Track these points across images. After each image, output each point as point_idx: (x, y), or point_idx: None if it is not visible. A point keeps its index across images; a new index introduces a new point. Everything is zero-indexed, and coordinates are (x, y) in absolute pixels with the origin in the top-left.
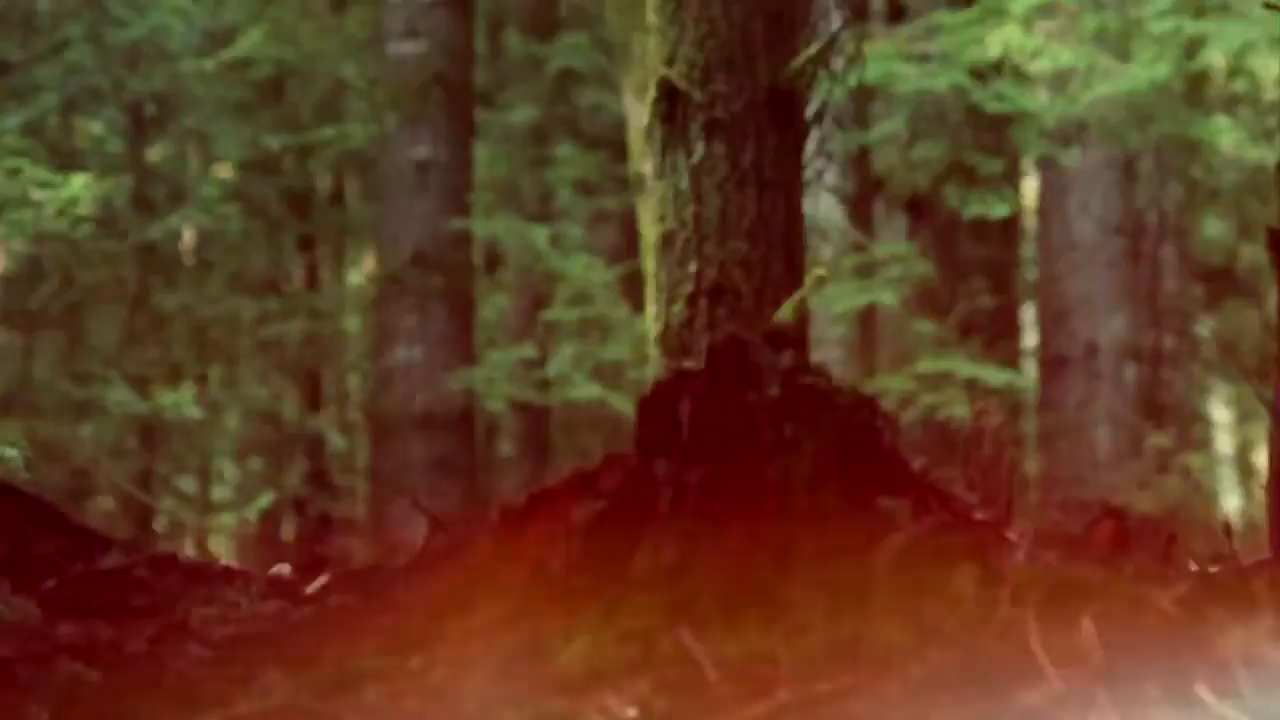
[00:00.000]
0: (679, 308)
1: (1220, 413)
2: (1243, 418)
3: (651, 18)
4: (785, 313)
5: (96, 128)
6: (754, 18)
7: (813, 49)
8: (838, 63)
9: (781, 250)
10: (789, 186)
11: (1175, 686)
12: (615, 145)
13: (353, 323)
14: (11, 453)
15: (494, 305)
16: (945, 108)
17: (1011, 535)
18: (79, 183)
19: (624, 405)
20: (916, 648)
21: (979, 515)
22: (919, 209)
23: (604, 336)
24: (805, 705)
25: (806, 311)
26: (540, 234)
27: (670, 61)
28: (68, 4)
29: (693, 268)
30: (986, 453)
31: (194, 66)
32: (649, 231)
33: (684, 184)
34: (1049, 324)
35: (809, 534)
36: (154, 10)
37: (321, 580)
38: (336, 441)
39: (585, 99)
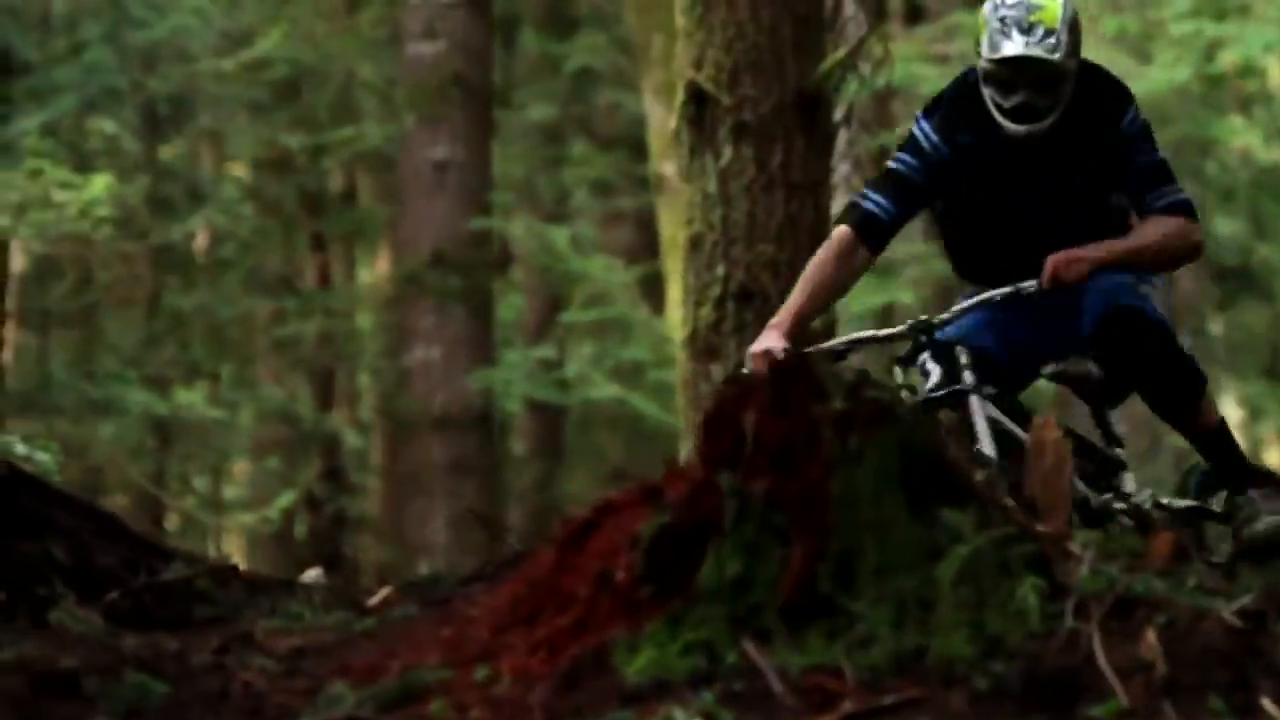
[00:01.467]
0: (707, 310)
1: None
2: (1253, 417)
3: (679, 21)
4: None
5: (110, 127)
6: (782, 21)
7: (840, 52)
8: (865, 65)
9: (809, 252)
10: (816, 189)
11: (1239, 698)
12: (630, 145)
13: (364, 321)
14: (44, 456)
15: (509, 305)
16: None
17: (1073, 547)
18: (100, 184)
19: (645, 405)
20: (980, 660)
21: (1040, 528)
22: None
23: (623, 337)
24: (870, 717)
25: (834, 314)
26: (560, 234)
27: (698, 65)
28: (86, 4)
29: (721, 270)
30: (1047, 465)
31: (212, 67)
32: (670, 232)
33: (712, 187)
34: None
35: (873, 546)
36: (174, 11)
37: (384, 592)
38: (351, 440)
39: (602, 98)
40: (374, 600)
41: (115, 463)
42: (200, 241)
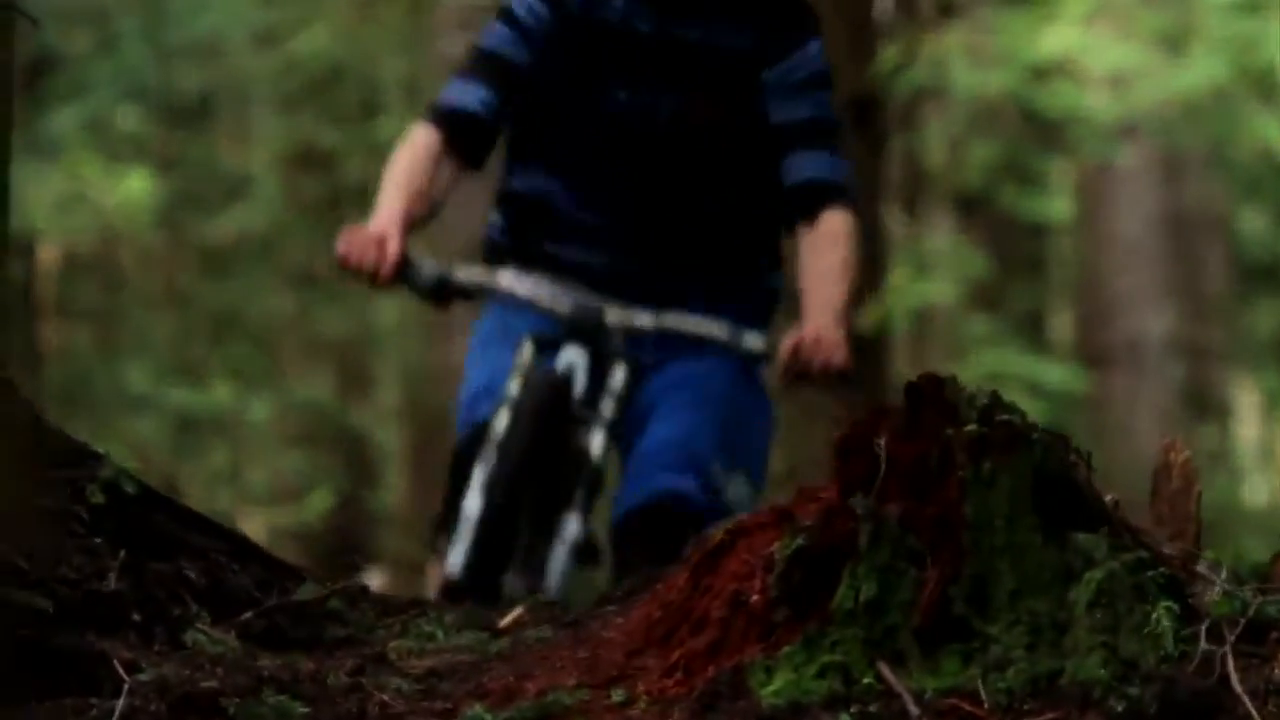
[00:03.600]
0: None
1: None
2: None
3: None
4: (870, 317)
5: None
6: (836, 26)
7: (893, 55)
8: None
9: (866, 255)
10: (871, 193)
11: None
12: None
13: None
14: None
15: None
16: (998, 106)
17: (1204, 569)
18: (136, 180)
19: None
20: (1116, 683)
21: (1170, 550)
22: (970, 206)
23: None
24: None
25: (889, 318)
26: None
27: None
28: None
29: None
30: (1175, 486)
31: (247, 63)
32: None
33: None
34: (1091, 321)
35: (1006, 570)
36: (210, 8)
37: (515, 613)
38: (378, 436)
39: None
40: (505, 621)
41: (142, 456)
42: (226, 235)
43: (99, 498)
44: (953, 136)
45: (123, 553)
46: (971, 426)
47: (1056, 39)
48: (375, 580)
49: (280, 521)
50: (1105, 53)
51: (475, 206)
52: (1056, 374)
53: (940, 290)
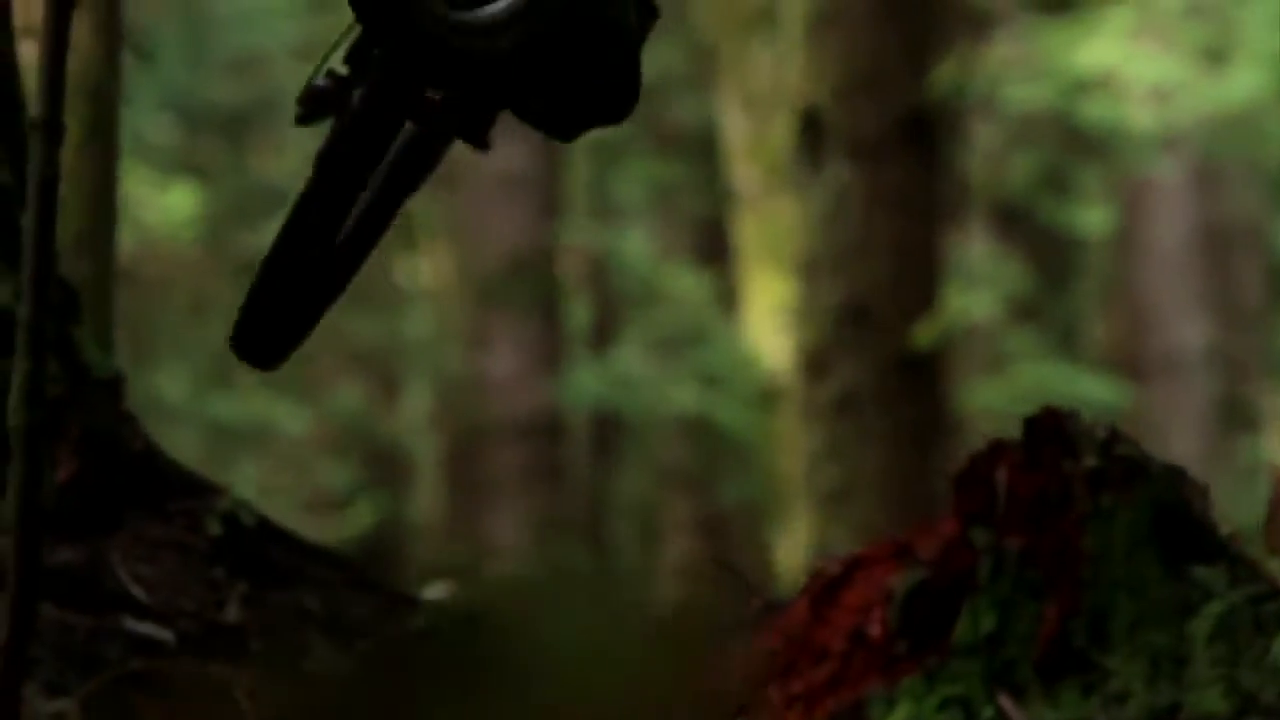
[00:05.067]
0: (820, 328)
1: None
2: None
3: (791, 37)
4: (926, 334)
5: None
6: (895, 40)
7: (951, 69)
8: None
9: (922, 272)
10: (929, 207)
11: None
12: (693, 148)
13: (418, 325)
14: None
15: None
16: (1038, 119)
17: None
18: (181, 194)
19: (727, 416)
20: (1235, 717)
21: None
22: (1009, 219)
23: (699, 347)
24: None
25: (949, 333)
26: (634, 243)
27: (812, 83)
28: (162, 12)
29: (835, 290)
30: None
31: (286, 75)
32: (750, 244)
33: (826, 206)
34: (1127, 332)
35: (1125, 603)
36: (250, 22)
37: None
38: (412, 446)
39: (666, 102)
40: None
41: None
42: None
43: (217, 529)
44: (994, 149)
45: (242, 583)
46: (1090, 460)
47: (1098, 52)
48: (440, 593)
49: (315, 533)
50: (1147, 66)
51: (514, 216)
52: (1098, 388)
53: (985, 304)
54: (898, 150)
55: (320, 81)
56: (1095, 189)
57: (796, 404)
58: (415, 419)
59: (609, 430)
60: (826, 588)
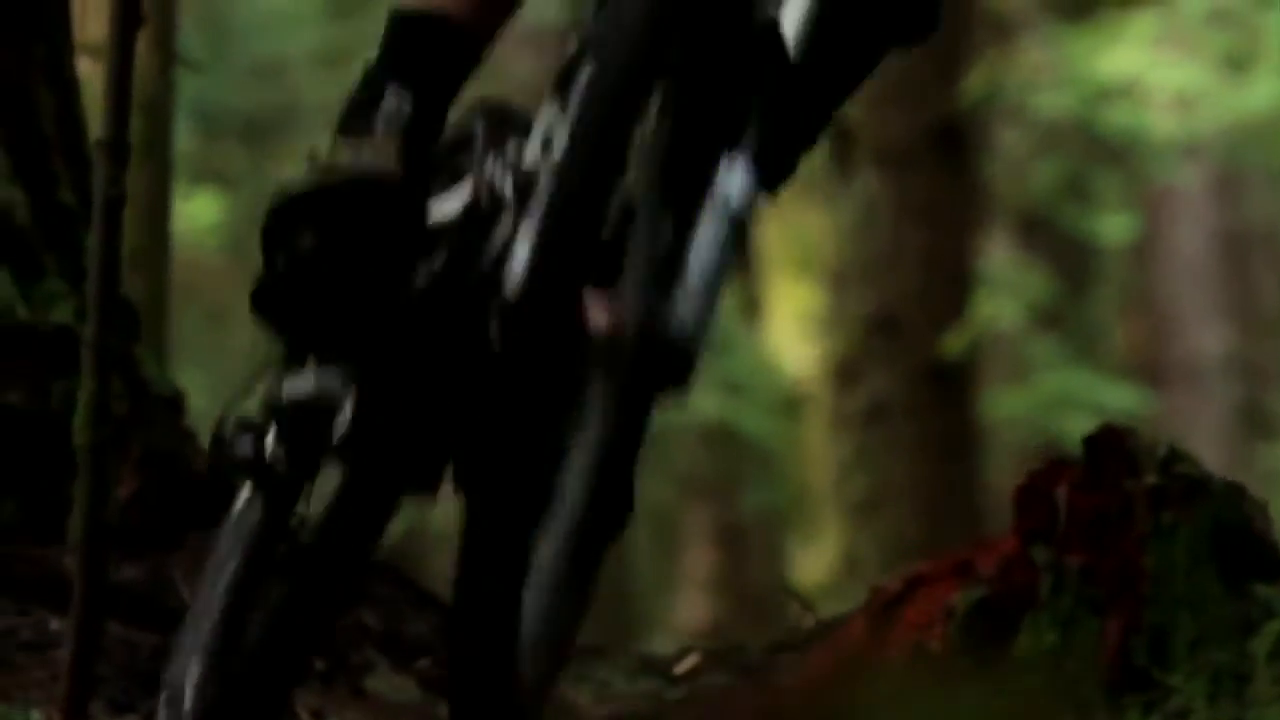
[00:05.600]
0: (850, 338)
1: None
2: None
3: None
4: (955, 344)
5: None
6: (926, 51)
7: (981, 79)
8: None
9: (951, 281)
10: (958, 217)
11: None
12: None
13: None
14: None
15: None
16: (1061, 126)
17: None
18: (205, 201)
19: (751, 424)
20: None
21: None
22: (1030, 225)
23: (721, 354)
24: None
25: (977, 343)
26: None
27: None
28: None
29: (864, 300)
30: None
31: (310, 82)
32: (773, 252)
33: (856, 217)
34: (1147, 339)
35: (1187, 620)
36: (274, 29)
37: (692, 659)
38: None
39: None
40: (681, 668)
41: None
42: None
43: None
44: (1016, 156)
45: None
46: (1151, 478)
47: (1121, 60)
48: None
49: None
50: (1170, 74)
51: None
52: (1121, 396)
53: (1008, 312)
54: (927, 160)
55: None
56: (1115, 196)
57: (825, 414)
58: None
59: None
60: (887, 605)
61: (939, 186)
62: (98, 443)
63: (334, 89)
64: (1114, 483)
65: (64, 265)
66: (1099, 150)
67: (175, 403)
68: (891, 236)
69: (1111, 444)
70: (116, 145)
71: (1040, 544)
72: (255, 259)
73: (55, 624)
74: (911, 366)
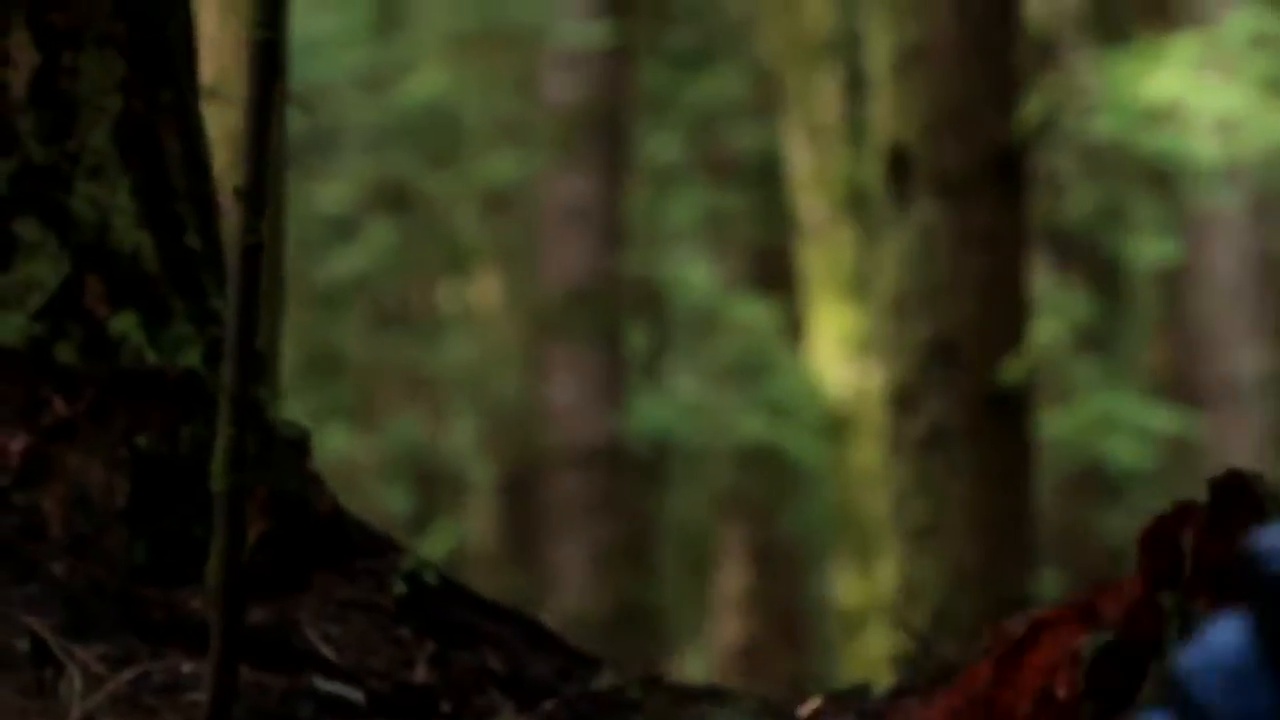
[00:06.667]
0: (908, 365)
1: None
2: None
3: (877, 75)
4: (1013, 370)
5: None
6: (982, 77)
7: (1037, 105)
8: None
9: (1009, 308)
10: (1015, 244)
11: None
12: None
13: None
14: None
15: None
16: (1102, 149)
17: None
18: None
19: (795, 445)
20: None
21: None
22: (1068, 247)
23: (764, 376)
24: None
25: (1036, 370)
26: (700, 272)
27: (898, 120)
28: None
29: (922, 326)
30: None
31: (349, 104)
32: (817, 275)
33: (913, 244)
34: (1183, 360)
35: None
36: (314, 52)
37: (813, 702)
38: (466, 473)
39: (726, 129)
40: (804, 711)
41: None
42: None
43: (402, 589)
44: (1059, 179)
45: (429, 643)
46: (1276, 521)
47: (1164, 84)
48: None
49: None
50: (1212, 98)
51: (577, 246)
52: (1163, 418)
53: (1050, 333)
54: (985, 187)
55: None
56: (1153, 219)
57: (883, 440)
58: (464, 445)
59: (660, 457)
60: (1011, 648)
61: (996, 213)
62: (235, 488)
63: (375, 112)
64: (1240, 528)
65: (191, 309)
66: (1138, 173)
67: (301, 445)
68: (949, 263)
69: (1237, 489)
70: (254, 193)
71: (1166, 589)
72: (300, 282)
73: (187, 666)
74: (970, 393)
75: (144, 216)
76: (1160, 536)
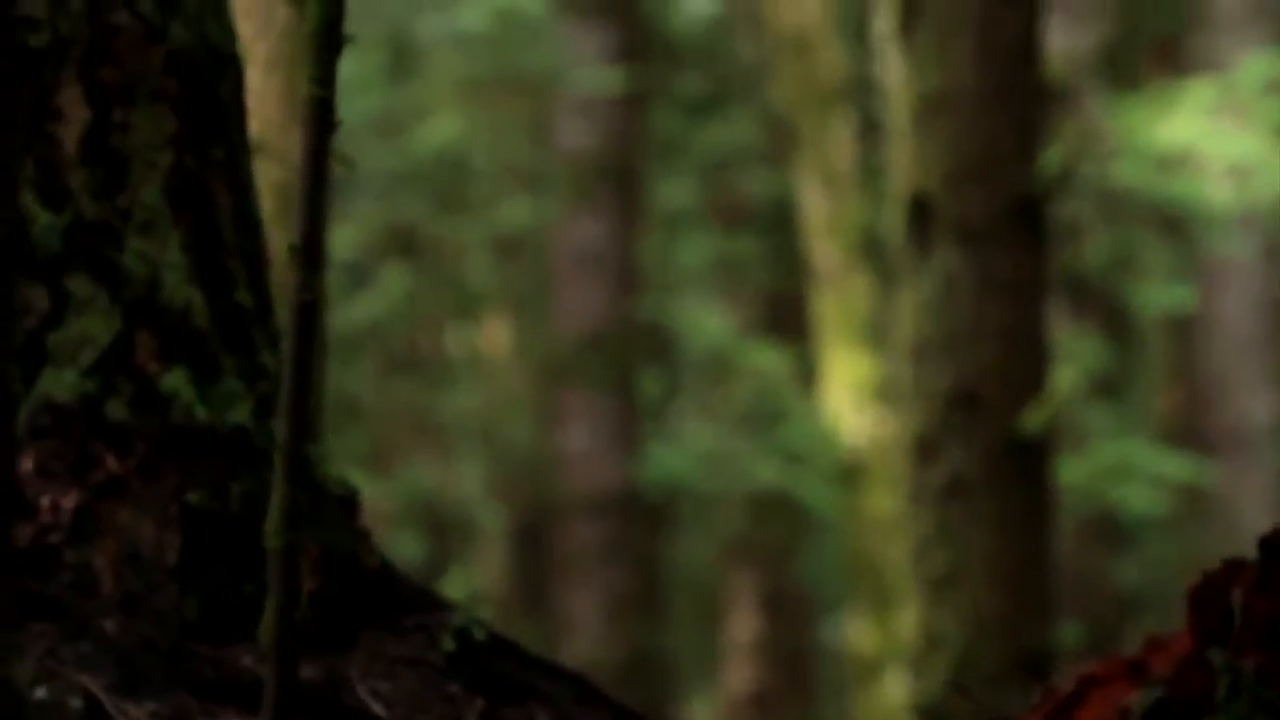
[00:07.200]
0: (929, 414)
1: None
2: None
3: (897, 123)
4: (1034, 419)
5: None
6: (1005, 126)
7: (1059, 155)
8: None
9: (1030, 356)
10: (1037, 292)
11: None
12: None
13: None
14: None
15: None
16: (1115, 195)
17: None
18: None
19: (810, 494)
20: None
21: None
22: (1081, 293)
23: (779, 424)
24: None
25: (1057, 419)
26: (714, 319)
27: (920, 169)
28: None
29: (942, 375)
30: None
31: (364, 148)
32: (831, 321)
33: (934, 292)
34: (1194, 406)
35: None
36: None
37: None
38: (477, 519)
39: (738, 175)
40: None
41: None
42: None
43: (451, 644)
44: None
45: (479, 699)
46: None
47: (1178, 129)
48: None
49: None
50: (1226, 144)
51: (591, 292)
52: (1179, 466)
53: (1066, 380)
54: (1006, 236)
55: None
56: (1165, 265)
57: (903, 488)
58: (474, 492)
59: (670, 502)
60: (1060, 705)
61: (1018, 261)
62: (290, 545)
63: (389, 158)
64: None
65: (241, 365)
66: (1150, 220)
67: (350, 502)
68: (971, 311)
69: None
70: (310, 250)
71: (1216, 646)
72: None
73: None
74: (991, 441)
75: (195, 272)
76: (1209, 593)
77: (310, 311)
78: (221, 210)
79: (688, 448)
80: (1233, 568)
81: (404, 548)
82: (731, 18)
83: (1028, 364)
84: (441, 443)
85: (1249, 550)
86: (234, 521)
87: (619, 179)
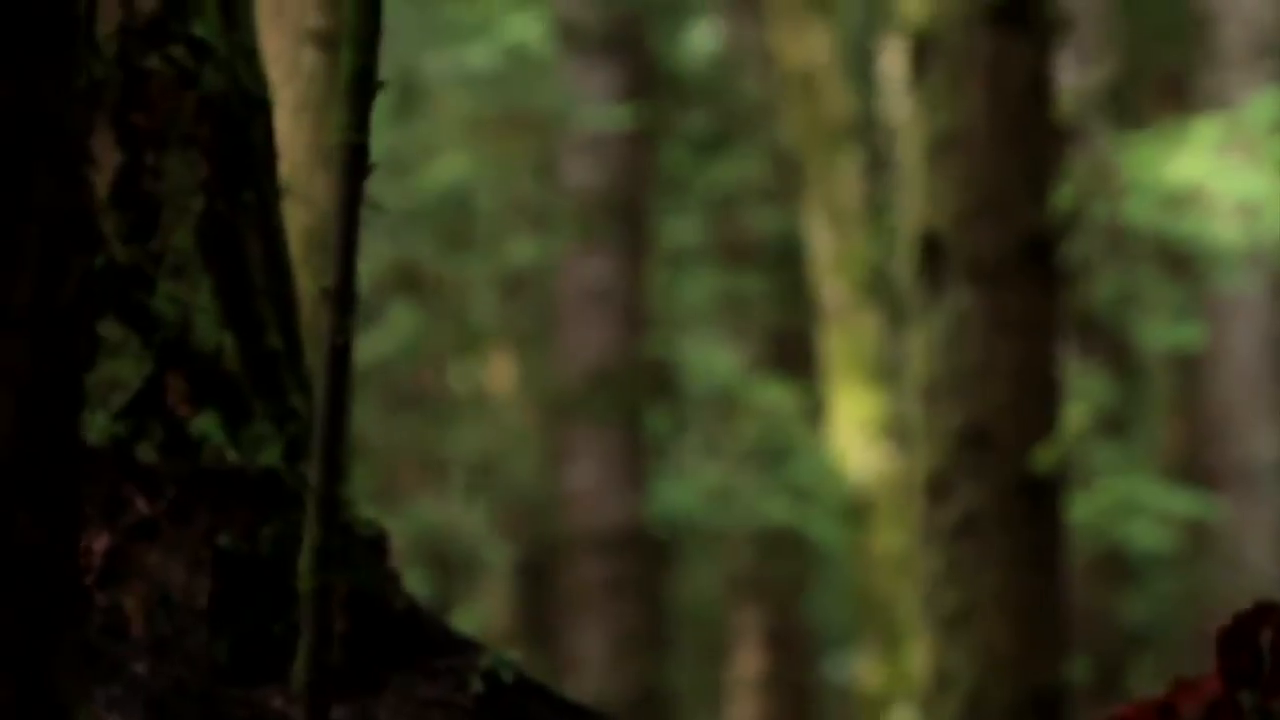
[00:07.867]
0: (940, 452)
1: None
2: None
3: (909, 162)
4: (1046, 457)
5: None
6: (1017, 164)
7: (1069, 194)
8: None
9: (1042, 395)
10: (1048, 331)
11: None
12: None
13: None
14: None
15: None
16: (1123, 233)
17: None
18: None
19: (818, 530)
20: None
21: None
22: (1087, 330)
23: (786, 460)
24: None
25: (1069, 457)
26: (720, 356)
27: (932, 208)
28: None
29: (954, 413)
30: None
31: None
32: (839, 359)
33: (946, 331)
34: (1200, 442)
35: None
36: None
37: None
38: (491, 557)
39: (744, 212)
40: None
41: None
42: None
43: (480, 687)
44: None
45: None
46: None
47: (1186, 167)
48: None
49: None
50: (1233, 181)
51: (598, 329)
52: (1186, 503)
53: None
54: (1018, 274)
55: None
56: (1172, 302)
57: (915, 527)
58: (480, 528)
59: (675, 539)
60: None
61: (1030, 300)
62: (321, 587)
63: (395, 196)
64: None
65: (271, 408)
66: (1157, 257)
67: (379, 544)
68: (983, 350)
69: None
70: (343, 294)
71: (1245, 688)
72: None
73: None
74: (1002, 479)
75: (226, 316)
76: (1239, 635)
77: (343, 355)
78: (252, 254)
79: (694, 484)
80: (1262, 610)
81: (410, 585)
82: (739, 55)
83: (1039, 403)
84: (447, 479)
85: (1255, 586)
86: (264, 564)
87: (626, 216)
